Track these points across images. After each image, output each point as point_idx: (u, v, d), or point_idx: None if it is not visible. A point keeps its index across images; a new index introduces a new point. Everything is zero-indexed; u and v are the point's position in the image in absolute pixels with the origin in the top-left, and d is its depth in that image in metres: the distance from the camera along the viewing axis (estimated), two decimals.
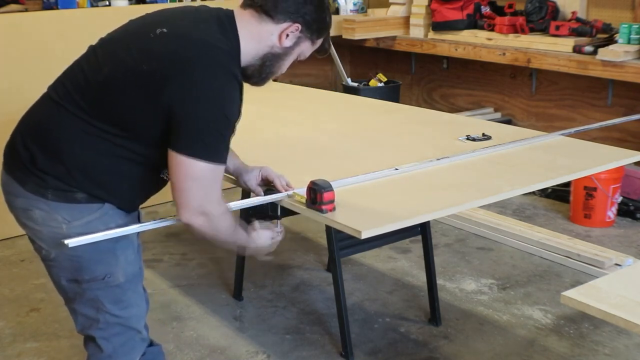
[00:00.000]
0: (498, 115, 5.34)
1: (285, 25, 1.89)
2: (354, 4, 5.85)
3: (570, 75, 4.60)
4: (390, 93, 5.17)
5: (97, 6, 4.70)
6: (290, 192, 2.07)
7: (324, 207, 1.93)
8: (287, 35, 1.90)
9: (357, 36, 5.33)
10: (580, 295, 1.65)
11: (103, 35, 1.94)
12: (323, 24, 1.95)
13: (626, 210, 4.12)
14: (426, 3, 5.22)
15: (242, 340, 2.98)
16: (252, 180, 2.15)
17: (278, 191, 2.10)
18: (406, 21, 5.40)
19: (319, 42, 1.98)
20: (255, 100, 3.59)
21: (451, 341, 2.94)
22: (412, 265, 3.61)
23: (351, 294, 3.28)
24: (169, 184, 2.01)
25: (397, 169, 2.29)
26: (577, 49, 4.35)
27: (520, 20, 4.73)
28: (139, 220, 2.02)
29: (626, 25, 4.19)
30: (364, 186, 2.18)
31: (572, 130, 2.81)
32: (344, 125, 3.03)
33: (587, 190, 4.00)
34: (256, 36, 1.88)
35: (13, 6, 5.19)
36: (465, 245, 3.85)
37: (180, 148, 1.76)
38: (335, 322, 2.96)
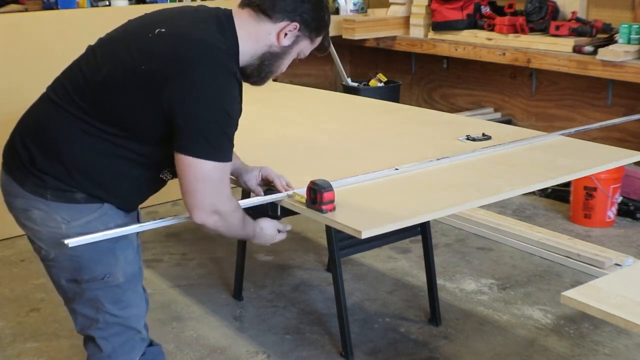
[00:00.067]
0: (498, 115, 5.34)
1: (283, 24, 1.89)
2: (354, 4, 5.85)
3: (570, 75, 4.60)
4: (390, 93, 5.17)
5: (97, 6, 4.70)
6: (290, 192, 2.07)
7: (324, 207, 1.93)
8: (285, 34, 1.90)
9: (357, 36, 5.33)
10: (580, 295, 1.65)
11: (103, 35, 1.94)
12: (321, 22, 1.95)
13: (626, 210, 4.12)
14: (426, 3, 5.22)
15: (242, 340, 2.98)
16: (252, 180, 2.15)
17: (278, 191, 2.10)
18: (406, 21, 5.40)
19: (318, 40, 1.98)
20: (256, 100, 3.59)
21: (451, 341, 2.94)
22: (412, 265, 3.61)
23: (351, 294, 3.28)
24: (168, 183, 2.01)
25: (397, 169, 2.29)
26: (577, 49, 4.36)
27: (520, 20, 4.73)
28: (138, 220, 2.02)
29: (626, 25, 4.19)
30: (364, 186, 2.18)
31: (572, 130, 2.81)
32: (344, 125, 3.03)
33: (587, 190, 4.00)
34: (254, 36, 1.88)
35: (13, 6, 5.19)
36: (465, 245, 3.85)
37: (186, 149, 1.76)
38: (335, 322, 2.96)
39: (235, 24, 1.87)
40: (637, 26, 4.15)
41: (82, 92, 1.82)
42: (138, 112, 1.78)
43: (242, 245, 3.23)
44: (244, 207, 2.12)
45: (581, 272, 3.48)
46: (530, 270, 3.55)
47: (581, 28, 4.48)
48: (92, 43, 1.93)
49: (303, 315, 3.17)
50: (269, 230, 2.08)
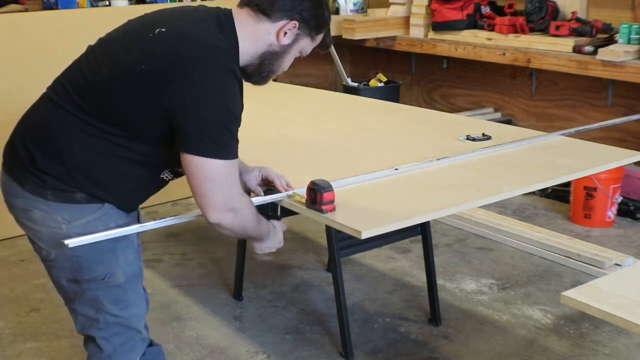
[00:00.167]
0: (498, 115, 5.34)
1: (282, 23, 1.88)
2: (354, 4, 5.85)
3: (570, 75, 4.60)
4: (390, 93, 5.17)
5: (97, 6, 4.70)
6: (290, 192, 2.07)
7: (324, 207, 1.93)
8: (285, 33, 1.90)
9: (357, 36, 5.33)
10: (580, 295, 1.65)
11: (103, 35, 1.94)
12: (321, 20, 1.94)
13: (626, 210, 4.12)
14: (426, 3, 5.22)
15: (242, 340, 2.98)
16: (252, 181, 2.15)
17: (278, 191, 2.10)
18: (406, 21, 5.40)
19: (319, 37, 1.97)
20: (256, 100, 3.59)
21: (451, 341, 2.94)
22: (412, 265, 3.61)
23: (351, 294, 3.28)
24: (169, 183, 2.01)
25: (397, 169, 2.29)
26: (577, 49, 4.35)
27: (520, 20, 4.73)
28: (138, 220, 2.02)
29: (626, 25, 4.19)
30: (364, 186, 2.18)
31: (572, 130, 2.81)
32: (344, 125, 3.03)
33: (587, 190, 4.00)
34: (254, 35, 1.88)
35: (13, 6, 5.19)
36: (465, 245, 3.85)
37: (192, 150, 1.76)
38: (335, 322, 2.96)
39: (235, 24, 1.87)
40: (637, 26, 4.15)
41: (82, 92, 1.82)
42: (138, 112, 1.78)
43: (242, 245, 3.23)
44: None
45: (581, 272, 3.48)
46: (530, 270, 3.55)
47: (581, 28, 4.48)
48: (92, 43, 1.93)
49: (303, 315, 3.17)
50: (280, 230, 2.09)
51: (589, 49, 4.30)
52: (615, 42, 4.25)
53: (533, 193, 4.48)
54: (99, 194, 1.85)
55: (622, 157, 2.53)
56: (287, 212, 2.15)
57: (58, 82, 1.90)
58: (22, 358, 2.88)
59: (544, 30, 4.64)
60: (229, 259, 3.60)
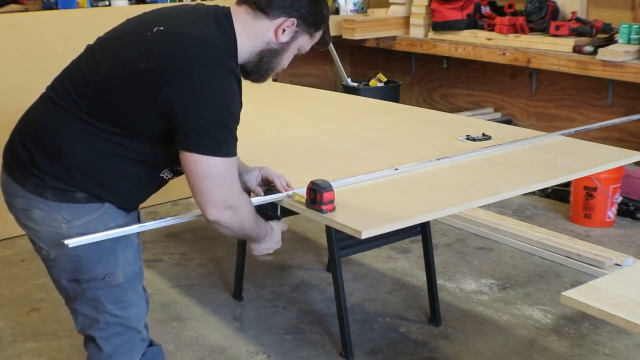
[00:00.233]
0: (498, 115, 5.34)
1: (280, 20, 1.88)
2: (354, 4, 5.85)
3: (570, 75, 4.60)
4: (390, 93, 5.17)
5: (97, 6, 4.70)
6: (290, 192, 2.07)
7: (323, 207, 1.93)
8: (284, 31, 1.89)
9: (357, 36, 5.33)
10: (580, 295, 1.65)
11: (102, 34, 1.94)
12: (320, 17, 1.93)
13: (626, 210, 4.12)
14: (426, 3, 5.22)
15: (242, 340, 2.98)
16: (252, 181, 2.15)
17: (278, 191, 2.10)
18: (406, 21, 5.40)
19: (318, 35, 1.97)
20: (256, 100, 3.59)
21: (451, 341, 2.94)
22: (412, 265, 3.61)
23: (351, 294, 3.28)
24: (169, 183, 2.01)
25: (397, 169, 2.29)
26: (577, 49, 4.36)
27: (520, 20, 4.73)
28: (139, 220, 2.02)
29: (626, 25, 4.19)
30: (364, 186, 2.18)
31: (572, 130, 2.81)
32: (344, 125, 3.03)
33: (587, 190, 4.00)
34: (252, 33, 1.88)
35: (13, 6, 5.19)
36: (465, 245, 3.85)
37: (191, 147, 1.75)
38: (335, 322, 2.96)
39: (234, 22, 1.87)
40: (637, 26, 4.15)
41: (81, 92, 1.82)
42: (137, 111, 1.78)
43: (242, 245, 3.22)
44: None
45: (581, 272, 3.48)
46: (530, 270, 3.55)
47: (581, 28, 4.48)
48: (91, 42, 1.93)
49: (303, 315, 3.17)
50: (278, 231, 2.09)
51: (589, 49, 4.30)
52: (615, 42, 4.25)
53: (533, 193, 4.48)
54: (99, 194, 1.85)
55: (622, 157, 2.53)
56: (287, 212, 2.15)
57: (57, 81, 1.90)
58: (22, 358, 2.88)
59: (544, 30, 4.64)
60: (229, 259, 3.60)
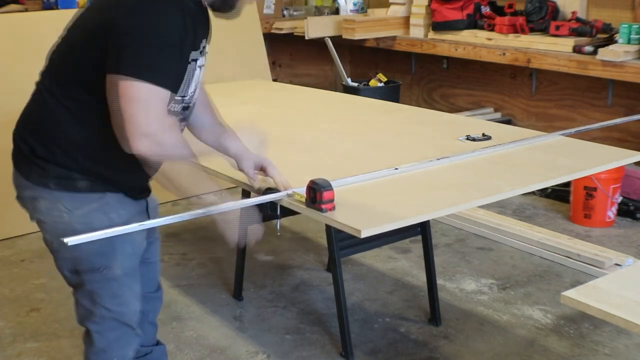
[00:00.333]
0: (498, 115, 5.34)
1: None
2: (354, 4, 5.85)
3: (570, 75, 4.60)
4: (390, 93, 5.17)
5: None
6: (290, 192, 2.07)
7: (323, 207, 1.93)
8: None
9: (357, 36, 5.33)
10: (580, 295, 1.65)
11: None
12: None
13: (626, 210, 4.12)
14: (426, 3, 5.22)
15: (242, 340, 2.98)
16: (249, 163, 2.13)
17: (276, 187, 2.09)
18: (406, 21, 5.40)
19: None
20: (256, 100, 3.60)
21: (451, 341, 2.94)
22: (412, 265, 3.61)
23: (351, 294, 3.28)
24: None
25: (397, 169, 2.29)
26: (577, 49, 4.36)
27: (520, 20, 4.73)
28: (147, 211, 2.02)
29: (626, 25, 4.19)
30: (364, 186, 2.18)
31: (572, 130, 2.81)
32: (344, 125, 3.03)
33: (587, 190, 4.00)
34: None
35: (13, 6, 5.20)
36: (465, 245, 3.85)
37: (111, 69, 1.72)
38: (335, 322, 2.96)
39: None
40: (637, 26, 4.15)
41: (57, 68, 1.87)
42: (99, 65, 1.77)
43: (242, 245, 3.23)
44: (243, 206, 2.13)
45: (581, 272, 3.48)
46: (530, 270, 3.55)
47: (581, 28, 4.48)
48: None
49: (303, 315, 3.17)
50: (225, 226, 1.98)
51: (589, 49, 4.30)
52: (615, 42, 4.25)
53: (533, 193, 4.48)
54: (99, 171, 1.86)
55: (622, 157, 2.53)
56: (287, 212, 2.15)
57: (42, 70, 1.94)
58: (22, 358, 2.88)
59: (544, 30, 4.64)
60: (229, 259, 3.60)
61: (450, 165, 2.38)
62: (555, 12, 4.70)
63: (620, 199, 4.05)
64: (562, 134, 2.74)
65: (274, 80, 5.86)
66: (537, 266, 3.59)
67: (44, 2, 5.48)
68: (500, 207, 4.26)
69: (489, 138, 2.66)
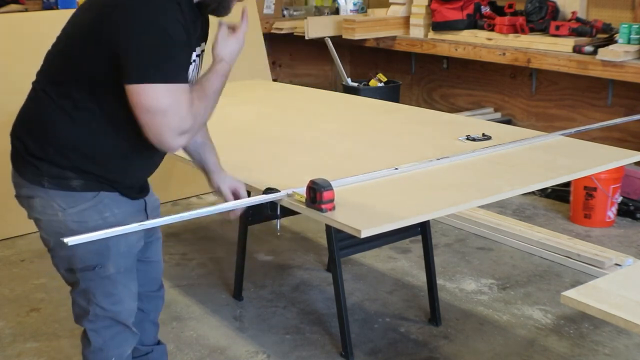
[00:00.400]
0: (498, 115, 5.34)
1: None
2: (354, 4, 5.85)
3: (570, 75, 4.60)
4: (390, 93, 5.17)
5: None
6: (290, 192, 2.07)
7: (323, 206, 1.93)
8: None
9: (357, 36, 5.33)
10: (580, 295, 1.65)
11: None
12: None
13: (626, 210, 4.12)
14: (426, 3, 5.22)
15: (242, 340, 2.98)
16: (226, 185, 2.16)
17: (276, 189, 2.09)
18: (406, 21, 5.40)
19: None
20: (256, 100, 3.60)
21: (451, 341, 2.94)
22: (412, 265, 3.61)
23: (351, 294, 3.28)
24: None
25: (397, 169, 2.29)
26: (577, 49, 4.36)
27: (520, 20, 4.73)
28: (145, 211, 2.02)
29: (626, 25, 4.19)
30: (364, 186, 2.18)
31: (572, 130, 2.81)
32: (344, 125, 3.03)
33: (587, 190, 4.00)
34: None
35: (13, 6, 5.20)
36: (465, 245, 3.85)
37: (130, 78, 1.72)
38: (335, 322, 2.96)
39: None
40: (637, 26, 4.15)
41: (53, 67, 1.88)
42: (93, 64, 1.78)
43: (242, 245, 3.23)
44: (243, 206, 2.13)
45: (581, 272, 3.48)
46: (530, 270, 3.55)
47: (581, 28, 4.48)
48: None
49: (303, 315, 3.17)
50: (228, 47, 1.92)
51: (589, 49, 4.30)
52: (615, 42, 4.25)
53: (533, 193, 4.48)
54: (91, 169, 1.86)
55: (622, 157, 2.53)
56: (287, 212, 2.15)
57: (38, 70, 1.95)
58: (22, 358, 2.88)
59: (544, 30, 4.64)
60: (229, 259, 3.60)
61: (450, 165, 2.38)
62: (555, 12, 4.70)
63: (620, 199, 4.05)
64: (562, 134, 2.74)
65: (274, 80, 5.86)
66: (537, 266, 3.59)
67: (44, 2, 5.48)
68: (500, 207, 4.26)
69: (489, 138, 2.66)
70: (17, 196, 1.96)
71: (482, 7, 5.01)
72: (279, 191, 2.08)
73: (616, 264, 3.47)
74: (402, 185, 2.20)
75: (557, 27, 4.53)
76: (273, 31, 5.98)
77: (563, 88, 4.91)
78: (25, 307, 3.27)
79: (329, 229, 2.73)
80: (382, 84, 5.24)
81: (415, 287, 3.40)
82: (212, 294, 3.37)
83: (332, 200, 1.94)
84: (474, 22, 5.01)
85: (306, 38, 5.53)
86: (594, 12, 4.71)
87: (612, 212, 4.04)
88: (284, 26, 5.94)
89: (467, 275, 3.51)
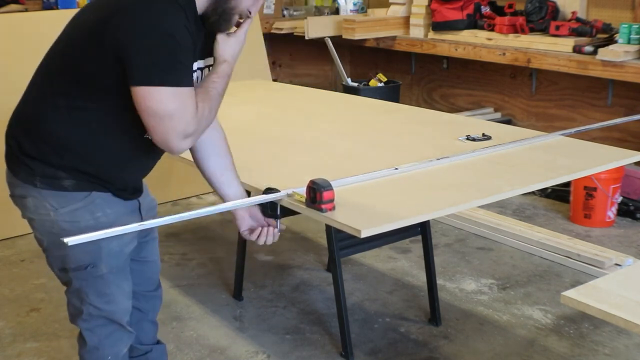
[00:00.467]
0: (498, 115, 5.34)
1: None
2: (354, 4, 5.85)
3: (570, 75, 4.60)
4: (390, 93, 5.17)
5: None
6: (290, 192, 2.07)
7: (323, 206, 1.93)
8: None
9: (357, 36, 5.33)
10: (580, 295, 1.65)
11: None
12: None
13: (626, 210, 4.12)
14: (426, 3, 5.22)
15: (242, 340, 2.98)
16: (246, 225, 2.14)
17: (276, 189, 2.09)
18: (406, 21, 5.40)
19: None
20: (256, 101, 3.60)
21: (451, 341, 2.94)
22: (412, 265, 3.61)
23: (351, 294, 3.28)
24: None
25: (397, 169, 2.29)
26: (577, 49, 4.36)
27: (520, 20, 4.73)
28: (139, 212, 2.02)
29: (626, 25, 4.19)
30: (364, 186, 2.18)
31: (572, 130, 2.80)
32: (344, 125, 3.03)
33: (587, 190, 4.00)
34: None
35: (13, 6, 5.20)
36: (465, 245, 3.85)
37: (136, 81, 1.72)
38: (335, 322, 2.96)
39: None
40: (637, 26, 4.15)
41: (51, 67, 1.88)
42: (94, 64, 1.78)
43: (242, 245, 3.23)
44: (243, 206, 2.13)
45: (581, 272, 3.48)
46: (530, 270, 3.55)
47: (581, 28, 4.48)
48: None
49: (303, 315, 3.17)
50: (231, 47, 1.91)
51: (589, 49, 4.30)
52: (615, 42, 4.25)
53: (533, 193, 4.48)
54: (86, 169, 1.86)
55: (622, 157, 2.53)
56: (287, 212, 2.15)
57: (36, 69, 1.95)
58: (22, 358, 2.88)
59: (544, 30, 4.64)
60: (229, 259, 3.60)
61: (450, 165, 2.38)
62: (555, 12, 4.70)
63: (620, 199, 4.05)
64: (562, 134, 2.74)
65: (274, 80, 5.86)
66: (537, 266, 3.59)
67: (44, 2, 5.48)
68: (500, 207, 4.26)
69: (489, 138, 2.66)
70: (12, 196, 1.96)
71: (482, 7, 5.01)
72: (279, 191, 2.08)
73: (616, 264, 3.47)
74: (402, 185, 2.20)
75: (557, 27, 4.53)
76: (273, 31, 5.98)
77: (563, 88, 4.91)
78: (25, 307, 3.27)
79: (329, 229, 2.73)
80: (382, 84, 5.24)
81: (415, 287, 3.40)
82: (212, 294, 3.37)
83: (332, 200, 1.94)
84: (474, 22, 5.01)
85: (306, 38, 5.53)
86: (594, 12, 4.71)
87: (612, 212, 4.04)
88: (284, 26, 5.94)
89: (467, 275, 3.51)
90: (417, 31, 5.30)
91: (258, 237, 2.10)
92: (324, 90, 3.99)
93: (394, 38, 5.42)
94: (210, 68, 1.96)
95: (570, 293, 1.66)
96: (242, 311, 3.22)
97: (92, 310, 1.98)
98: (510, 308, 3.19)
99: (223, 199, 2.11)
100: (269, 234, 2.10)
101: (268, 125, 3.03)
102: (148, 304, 2.24)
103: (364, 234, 1.84)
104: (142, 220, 2.00)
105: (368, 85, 5.27)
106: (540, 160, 2.43)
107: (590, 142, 2.66)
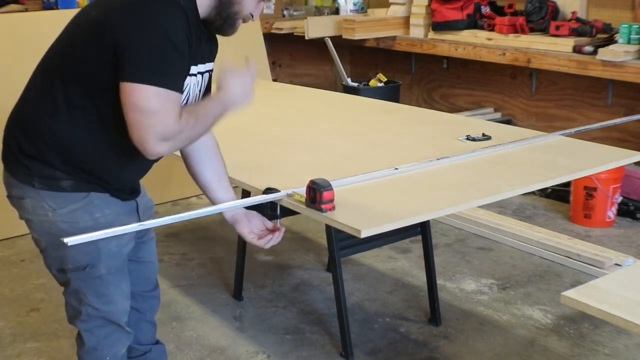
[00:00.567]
0: (498, 115, 5.34)
1: None
2: (354, 4, 5.85)
3: (570, 75, 4.60)
4: (390, 93, 5.17)
5: None
6: (290, 192, 2.07)
7: (323, 206, 1.93)
8: None
9: (357, 36, 5.33)
10: (580, 295, 1.65)
11: None
12: None
13: (626, 210, 4.12)
14: (426, 3, 5.22)
15: (242, 340, 2.98)
16: (246, 229, 2.14)
17: (276, 189, 2.09)
18: (406, 21, 5.40)
19: None
20: (256, 100, 3.59)
21: (451, 341, 2.94)
22: (412, 265, 3.61)
23: (351, 294, 3.28)
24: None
25: (397, 169, 2.29)
26: (577, 49, 4.36)
27: (520, 20, 4.73)
28: (137, 212, 2.02)
29: (626, 25, 4.19)
30: (364, 186, 2.18)
31: (572, 130, 2.81)
32: (344, 125, 3.03)
33: (587, 190, 4.00)
34: None
35: (13, 6, 5.20)
36: (465, 245, 3.85)
37: (123, 76, 1.72)
38: (335, 322, 2.96)
39: None
40: (637, 26, 4.15)
41: (50, 68, 1.87)
42: (94, 63, 1.78)
43: (242, 245, 3.23)
44: (243, 206, 2.13)
45: (581, 272, 3.48)
46: (530, 270, 3.55)
47: (581, 28, 4.48)
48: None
49: (303, 315, 3.17)
50: (235, 88, 1.92)
51: (589, 49, 4.30)
52: (615, 42, 4.25)
53: (533, 193, 4.48)
54: (83, 168, 1.86)
55: (622, 157, 2.53)
56: (287, 212, 2.15)
57: (35, 68, 1.95)
58: (22, 358, 2.88)
59: (544, 30, 4.64)
60: (229, 259, 3.60)
61: (450, 165, 2.38)
62: (555, 12, 4.70)
63: (620, 199, 4.05)
64: (562, 134, 2.74)
65: (274, 80, 5.86)
66: (537, 266, 3.59)
67: (44, 2, 5.48)
68: (500, 207, 4.26)
69: (489, 138, 2.66)
70: (9, 196, 1.96)
71: (482, 7, 5.01)
72: (279, 191, 2.08)
73: (616, 264, 3.47)
74: (402, 185, 2.20)
75: (557, 27, 4.53)
76: (273, 31, 5.98)
77: (563, 88, 4.91)
78: (25, 307, 3.27)
79: (329, 229, 2.73)
80: (382, 84, 5.24)
81: (415, 287, 3.40)
82: (212, 294, 3.37)
83: (332, 200, 1.94)
84: (474, 22, 5.01)
85: (306, 38, 5.53)
86: (594, 12, 4.71)
87: (612, 212, 4.04)
88: (284, 26, 5.94)
89: (467, 275, 3.51)
90: (417, 31, 5.30)
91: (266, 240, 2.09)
92: (324, 90, 3.99)
93: (394, 38, 5.42)
94: (211, 73, 1.96)
95: (570, 293, 1.66)
96: (242, 311, 3.22)
97: (90, 310, 1.98)
98: (510, 308, 3.19)
99: (215, 204, 2.10)
100: (275, 238, 2.09)
101: (268, 125, 3.03)
102: (146, 304, 2.24)
103: (364, 234, 1.84)
104: (139, 220, 2.00)
105: (368, 85, 5.27)
106: (540, 160, 2.43)
107: (590, 142, 2.66)
